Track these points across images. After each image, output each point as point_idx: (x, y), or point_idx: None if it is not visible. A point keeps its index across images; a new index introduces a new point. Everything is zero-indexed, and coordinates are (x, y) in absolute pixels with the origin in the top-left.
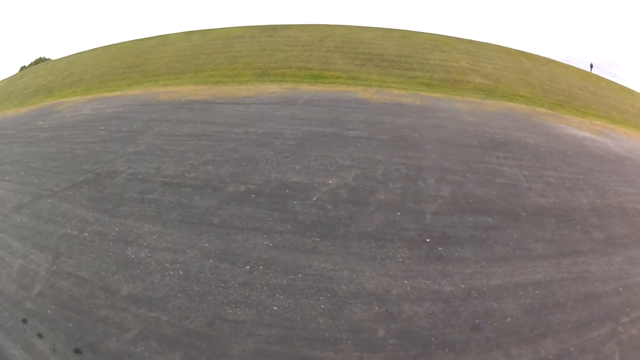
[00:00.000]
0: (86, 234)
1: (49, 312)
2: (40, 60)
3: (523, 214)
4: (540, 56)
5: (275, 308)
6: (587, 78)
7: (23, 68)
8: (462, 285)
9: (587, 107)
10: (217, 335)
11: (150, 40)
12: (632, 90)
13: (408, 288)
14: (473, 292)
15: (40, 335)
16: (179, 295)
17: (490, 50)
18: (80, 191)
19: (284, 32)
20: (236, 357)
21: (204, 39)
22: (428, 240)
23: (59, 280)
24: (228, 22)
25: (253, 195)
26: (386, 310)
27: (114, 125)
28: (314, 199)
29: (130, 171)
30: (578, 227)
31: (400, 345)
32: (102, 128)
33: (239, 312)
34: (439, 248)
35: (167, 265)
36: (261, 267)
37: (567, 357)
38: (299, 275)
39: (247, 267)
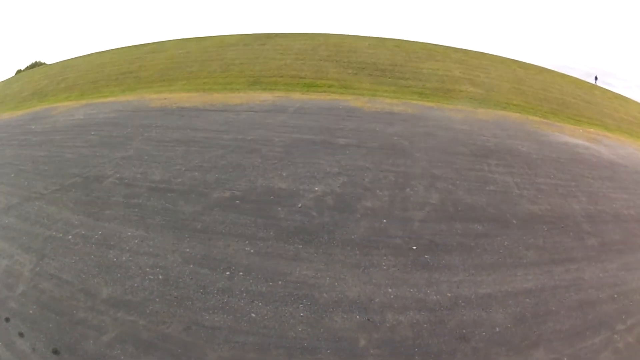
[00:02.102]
0: (70, 237)
1: (31, 312)
2: (36, 64)
3: (514, 221)
4: (534, 65)
5: (254, 315)
6: (581, 86)
7: (19, 71)
8: (449, 294)
9: (581, 115)
10: (193, 340)
11: (145, 47)
12: (627, 97)
13: (392, 297)
14: (460, 301)
15: (21, 335)
16: (157, 299)
17: (484, 60)
18: (67, 194)
19: (278, 40)
20: None
21: (199, 46)
22: (414, 247)
23: (41, 282)
24: (223, 30)
25: (237, 202)
26: (368, 319)
27: (104, 131)
28: (299, 205)
29: (118, 175)
30: (571, 233)
31: (382, 355)
32: (93, 133)
33: (216, 319)
34: (426, 256)
35: (148, 269)
36: (241, 273)
37: None
38: (279, 282)
39: (227, 272)
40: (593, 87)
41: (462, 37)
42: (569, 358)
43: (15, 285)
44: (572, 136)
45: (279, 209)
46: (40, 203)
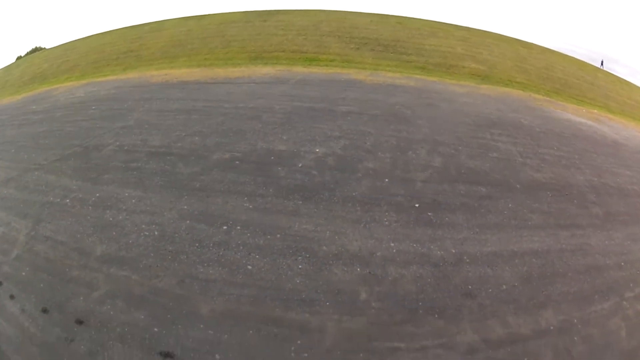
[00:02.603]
0: (68, 201)
1: (23, 274)
2: (36, 50)
3: (517, 186)
4: (537, 45)
5: (250, 267)
6: (584, 68)
7: (19, 58)
8: (453, 250)
9: (584, 95)
10: (186, 294)
11: (146, 27)
12: (630, 82)
13: (394, 251)
14: (465, 258)
15: (12, 297)
16: (152, 254)
17: (487, 38)
18: (67, 163)
19: (279, 17)
20: (204, 317)
21: (199, 24)
22: (417, 205)
23: (36, 244)
24: (224, 7)
25: (237, 162)
26: (370, 272)
27: (105, 105)
28: (300, 165)
29: (117, 143)
30: (575, 201)
31: (385, 309)
32: (93, 108)
33: (211, 271)
34: (429, 213)
35: (144, 226)
36: (239, 227)
37: (570, 330)
38: (278, 235)
39: (224, 227)
40: (596, 70)
41: (465, 17)
42: (578, 321)
43: (10, 250)
44: (575, 114)
45: (279, 168)
46: (39, 173)
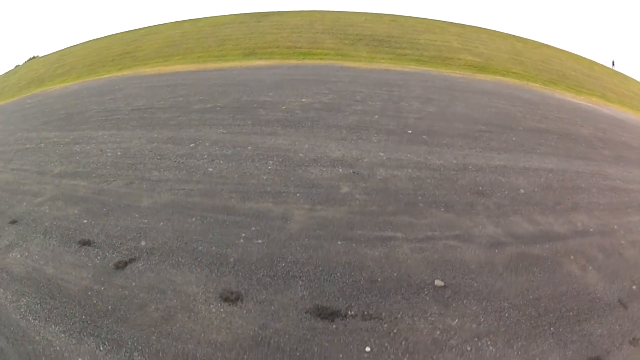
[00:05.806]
0: (42, 145)
1: None
2: (33, 59)
3: (520, 128)
4: (533, 40)
5: (211, 170)
6: (580, 62)
7: (18, 67)
8: (455, 161)
9: (581, 86)
10: (132, 192)
11: (142, 31)
12: (627, 75)
13: (384, 158)
14: (470, 167)
15: None
16: (108, 167)
17: (482, 33)
18: (50, 124)
19: (273, 17)
20: (142, 208)
21: (194, 26)
22: (410, 132)
23: (2, 175)
24: (218, 11)
25: (218, 108)
26: (354, 172)
27: (97, 90)
28: (283, 107)
29: (102, 108)
30: (583, 144)
31: (372, 200)
32: (85, 92)
33: (166, 174)
34: (424, 136)
35: (108, 151)
36: (207, 144)
37: (614, 234)
38: (249, 147)
39: (192, 145)
40: (592, 63)
41: (459, 14)
42: (619, 228)
43: None
44: (574, 99)
45: (261, 110)
46: (22, 133)
